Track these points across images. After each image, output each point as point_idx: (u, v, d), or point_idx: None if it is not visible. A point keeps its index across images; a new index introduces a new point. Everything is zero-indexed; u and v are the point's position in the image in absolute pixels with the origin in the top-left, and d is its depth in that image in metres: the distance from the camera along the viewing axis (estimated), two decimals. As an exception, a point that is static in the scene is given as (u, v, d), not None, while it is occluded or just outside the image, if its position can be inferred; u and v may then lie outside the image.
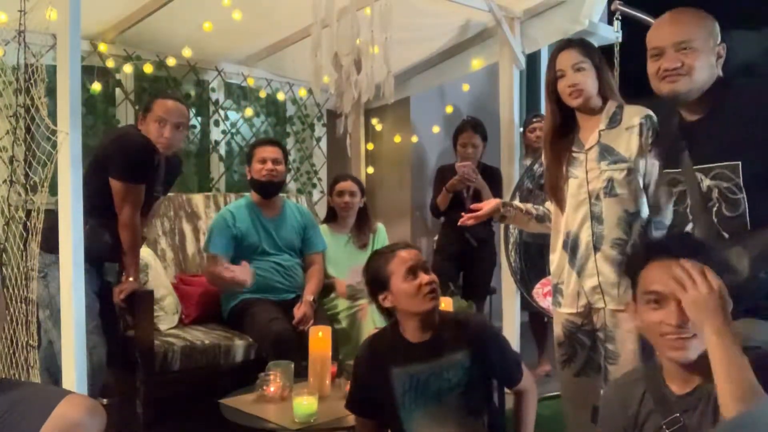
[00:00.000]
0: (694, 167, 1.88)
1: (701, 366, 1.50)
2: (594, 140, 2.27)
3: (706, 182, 1.86)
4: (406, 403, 2.03)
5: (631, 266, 1.63)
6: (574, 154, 2.31)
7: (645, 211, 2.24)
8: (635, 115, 2.24)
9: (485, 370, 2.06)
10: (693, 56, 1.84)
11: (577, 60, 2.25)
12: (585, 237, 2.27)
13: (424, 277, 1.99)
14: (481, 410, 2.05)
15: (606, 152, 2.25)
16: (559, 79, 2.28)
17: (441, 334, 2.04)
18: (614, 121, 2.26)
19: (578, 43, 2.30)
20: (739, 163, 1.80)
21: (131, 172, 2.78)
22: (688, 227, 1.94)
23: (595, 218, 2.25)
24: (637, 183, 2.23)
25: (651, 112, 2.25)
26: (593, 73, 2.26)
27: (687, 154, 1.91)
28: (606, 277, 2.22)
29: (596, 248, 2.24)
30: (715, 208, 1.85)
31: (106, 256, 2.84)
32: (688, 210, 1.93)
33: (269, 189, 3.48)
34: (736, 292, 1.76)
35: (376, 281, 2.06)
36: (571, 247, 2.30)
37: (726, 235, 1.83)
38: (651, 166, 2.21)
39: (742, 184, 1.80)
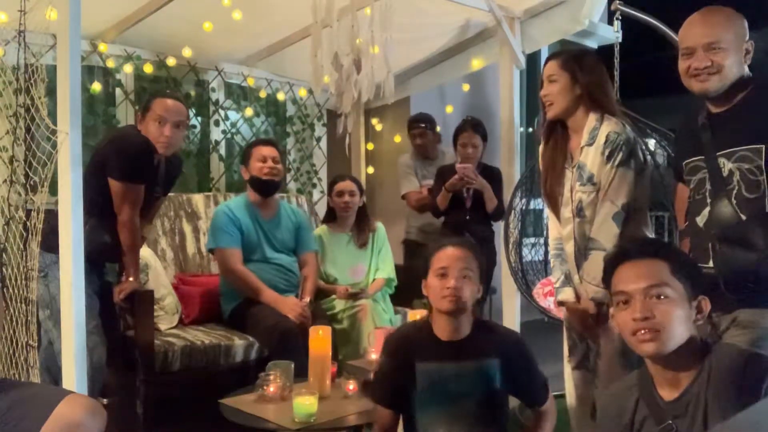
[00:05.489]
0: (718, 153, 1.95)
1: (685, 369, 1.53)
2: (578, 158, 2.28)
3: (729, 166, 1.93)
4: (423, 398, 2.04)
5: (605, 274, 1.67)
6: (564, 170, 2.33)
7: None
8: (606, 131, 2.22)
9: (508, 384, 2.06)
10: (722, 56, 1.93)
11: (551, 72, 2.28)
12: (569, 253, 2.30)
13: (449, 282, 1.98)
14: (493, 421, 2.05)
15: (582, 172, 2.25)
16: (541, 88, 2.33)
17: (472, 339, 2.05)
18: (592, 138, 2.24)
19: (561, 55, 2.32)
20: (763, 146, 1.87)
21: (130, 172, 2.78)
22: (705, 211, 1.97)
23: (576, 236, 2.27)
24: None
25: (623, 128, 2.23)
26: (564, 86, 2.25)
27: (711, 142, 1.97)
28: (587, 290, 2.24)
29: (578, 266, 2.27)
30: (734, 191, 1.92)
31: (106, 256, 2.84)
32: (706, 194, 1.98)
33: (269, 187, 3.46)
34: (753, 272, 1.79)
35: (424, 266, 2.08)
36: (562, 257, 2.34)
37: (743, 217, 1.88)
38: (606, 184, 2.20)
39: (764, 166, 1.87)
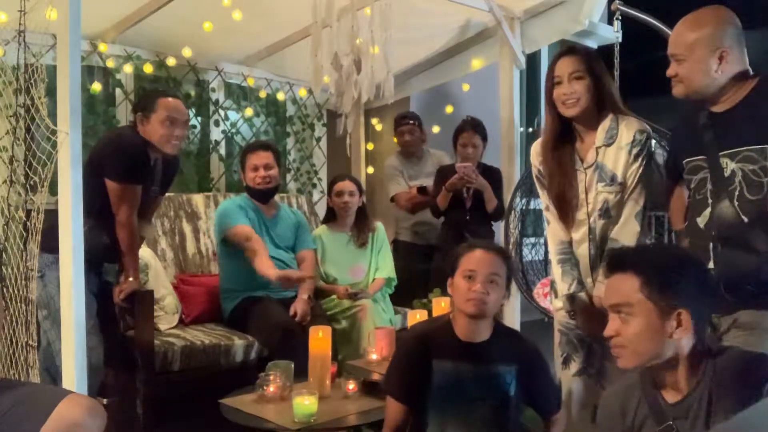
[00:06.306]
0: (721, 153, 1.94)
1: (687, 373, 1.51)
2: (592, 158, 2.23)
3: (731, 166, 1.92)
4: (438, 398, 2.02)
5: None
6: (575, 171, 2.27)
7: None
8: (630, 131, 2.19)
9: (523, 392, 2.05)
10: (683, 66, 1.97)
11: (575, 68, 2.20)
12: (583, 256, 2.26)
13: (475, 285, 1.97)
14: (505, 427, 2.04)
15: (602, 172, 2.21)
16: (555, 86, 2.23)
17: (491, 343, 2.04)
18: (610, 137, 2.21)
19: (579, 51, 2.26)
20: (767, 146, 1.85)
21: (127, 172, 2.78)
22: (706, 212, 1.96)
23: (593, 239, 2.23)
24: None
25: (646, 127, 2.22)
26: (591, 83, 2.19)
27: (713, 141, 1.96)
28: (602, 292, 2.18)
29: (593, 268, 2.24)
30: (736, 192, 1.90)
31: (105, 256, 2.84)
32: (708, 194, 1.97)
33: (265, 195, 3.51)
34: (754, 275, 1.78)
35: (450, 265, 2.07)
36: (572, 261, 2.27)
37: (745, 219, 1.87)
38: (633, 186, 2.19)
39: None
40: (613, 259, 1.63)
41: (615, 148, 2.20)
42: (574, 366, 2.33)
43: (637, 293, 1.49)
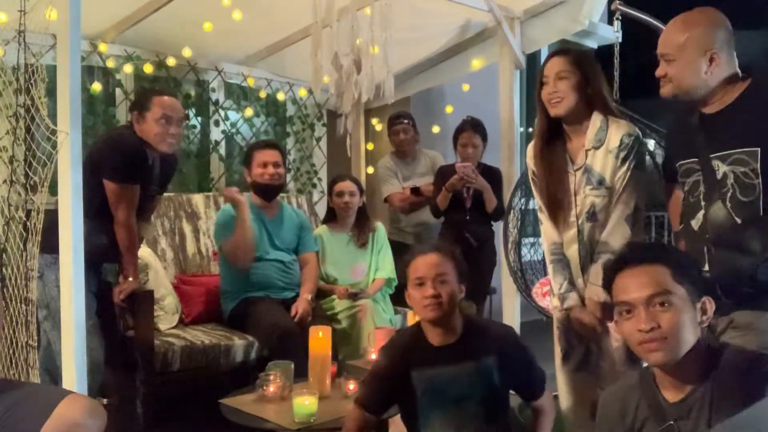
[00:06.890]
0: (712, 155, 1.93)
1: (690, 371, 1.51)
2: (582, 160, 2.23)
3: (723, 168, 1.90)
4: (424, 405, 2.03)
5: (606, 282, 1.64)
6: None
7: None
8: (618, 134, 2.19)
9: (506, 379, 2.05)
10: (672, 66, 1.96)
11: (562, 68, 2.20)
12: (573, 258, 2.26)
13: (427, 290, 1.97)
14: (496, 419, 2.04)
15: (590, 175, 2.21)
16: (543, 85, 2.24)
17: (465, 340, 2.03)
18: (599, 140, 2.20)
19: (569, 52, 2.26)
20: (758, 149, 1.84)
21: (125, 173, 2.77)
22: (699, 214, 1.96)
23: (582, 241, 2.23)
24: None
25: (635, 130, 2.22)
26: (577, 83, 2.19)
27: (704, 144, 1.95)
28: (597, 294, 2.18)
29: (583, 270, 2.24)
30: (729, 194, 1.89)
31: (104, 257, 2.84)
32: (701, 197, 1.96)
33: (271, 192, 3.50)
34: (749, 276, 1.78)
35: (404, 277, 2.08)
36: (563, 262, 2.29)
37: (738, 221, 1.86)
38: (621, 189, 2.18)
39: (759, 169, 1.84)
40: (636, 253, 1.60)
41: (603, 152, 2.20)
42: (573, 362, 2.34)
43: (671, 282, 1.49)
